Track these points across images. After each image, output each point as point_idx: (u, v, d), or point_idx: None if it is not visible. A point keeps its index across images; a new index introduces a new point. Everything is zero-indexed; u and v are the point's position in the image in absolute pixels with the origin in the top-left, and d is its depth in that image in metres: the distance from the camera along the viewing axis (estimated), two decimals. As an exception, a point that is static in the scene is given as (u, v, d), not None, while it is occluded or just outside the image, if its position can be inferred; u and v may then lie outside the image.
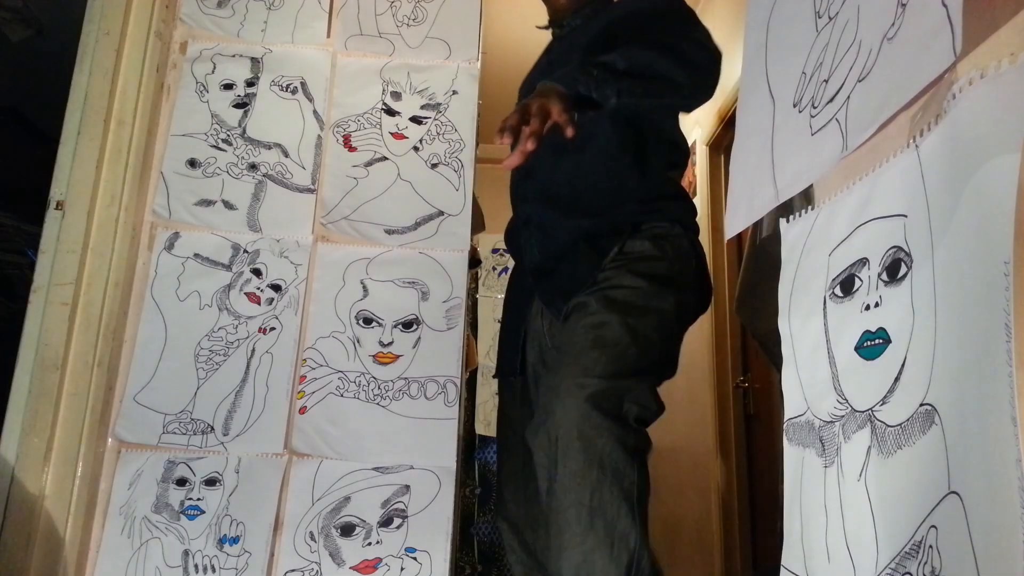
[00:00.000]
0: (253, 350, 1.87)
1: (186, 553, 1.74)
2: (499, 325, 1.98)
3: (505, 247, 1.98)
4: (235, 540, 1.76)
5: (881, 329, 0.73)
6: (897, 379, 0.70)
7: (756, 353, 2.99)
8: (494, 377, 1.90)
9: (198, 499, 1.78)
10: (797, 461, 0.89)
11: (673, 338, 1.64)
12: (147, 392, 1.82)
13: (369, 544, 1.76)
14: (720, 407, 3.25)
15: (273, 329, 1.88)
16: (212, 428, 1.81)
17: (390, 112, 2.06)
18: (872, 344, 0.74)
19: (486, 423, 3.95)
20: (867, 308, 0.76)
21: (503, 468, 1.80)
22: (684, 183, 3.66)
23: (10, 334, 1.85)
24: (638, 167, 1.71)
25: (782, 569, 0.92)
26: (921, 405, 0.66)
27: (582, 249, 1.66)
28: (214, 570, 1.74)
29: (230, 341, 1.87)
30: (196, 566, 1.74)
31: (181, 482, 1.78)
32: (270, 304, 1.90)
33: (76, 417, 1.74)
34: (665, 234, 1.65)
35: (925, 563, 0.63)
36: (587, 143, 1.66)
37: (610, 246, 1.62)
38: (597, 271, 1.60)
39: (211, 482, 1.79)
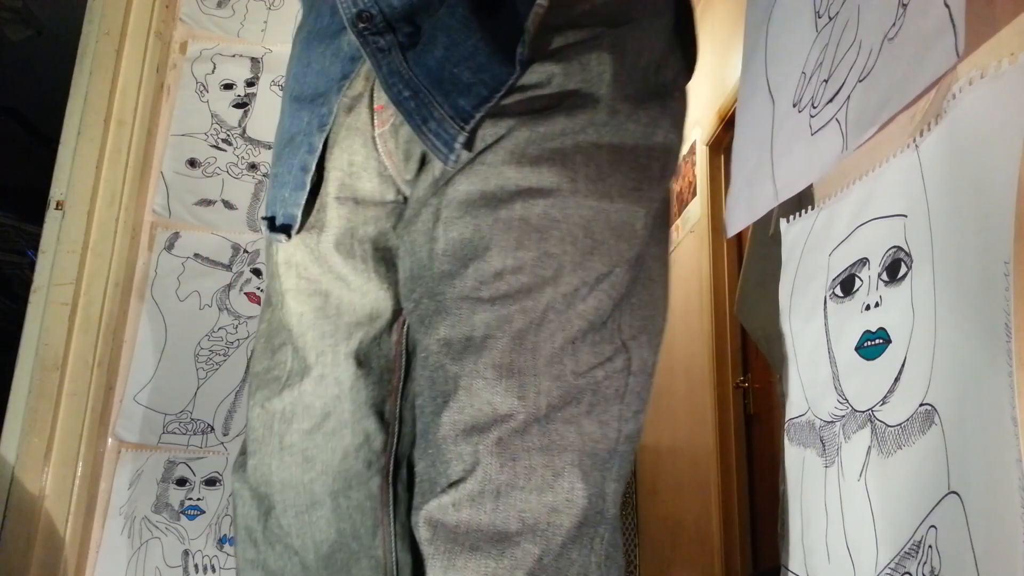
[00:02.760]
0: (253, 350, 1.87)
1: (186, 553, 1.74)
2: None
3: None
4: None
5: (881, 329, 0.73)
6: (897, 379, 0.70)
7: (756, 353, 2.99)
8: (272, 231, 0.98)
9: (198, 499, 1.78)
10: (798, 461, 0.89)
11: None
12: (147, 392, 1.82)
13: (369, 544, 1.76)
14: (720, 407, 3.25)
15: (273, 329, 1.88)
16: (212, 428, 1.81)
17: (390, 112, 2.06)
18: (872, 344, 0.74)
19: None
20: (867, 308, 0.76)
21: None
22: (683, 183, 3.67)
23: (10, 334, 1.85)
24: None
25: (783, 569, 0.92)
26: (921, 405, 0.66)
27: None
28: (214, 570, 1.74)
29: (230, 341, 1.87)
30: (196, 566, 1.74)
31: (181, 482, 1.79)
32: (270, 304, 1.90)
33: (76, 417, 1.74)
34: None
35: (924, 563, 0.63)
36: None
37: None
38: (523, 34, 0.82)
39: (211, 482, 1.79)
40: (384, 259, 0.97)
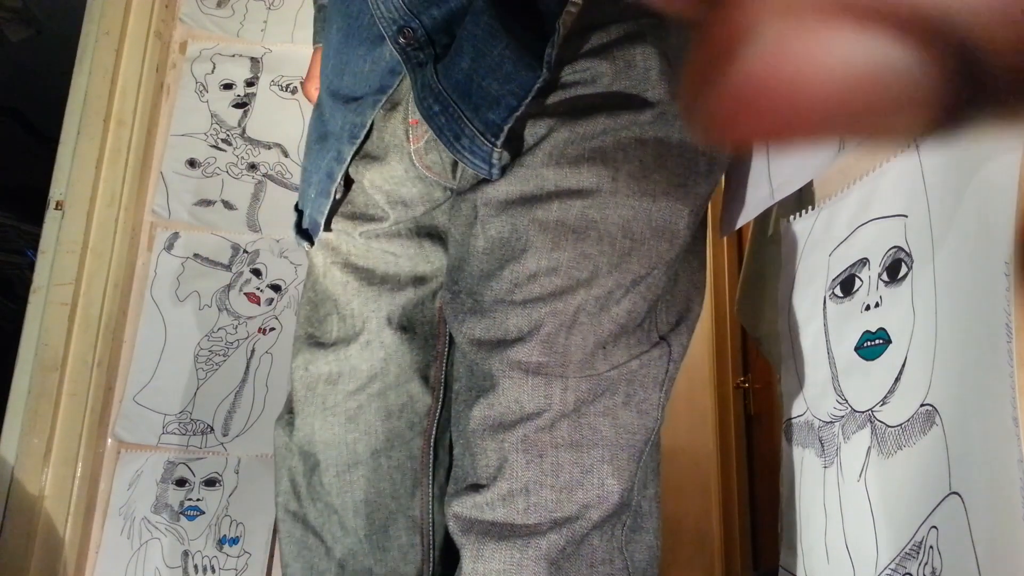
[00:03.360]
0: (253, 350, 1.86)
1: (186, 554, 1.74)
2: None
3: None
4: (235, 541, 1.76)
5: (881, 329, 0.73)
6: (897, 379, 0.70)
7: (756, 353, 2.98)
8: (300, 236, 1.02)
9: (198, 500, 1.77)
10: (796, 461, 0.89)
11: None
12: (147, 392, 1.82)
13: (369, 544, 1.76)
14: (720, 407, 3.25)
15: (273, 329, 1.88)
16: (212, 428, 1.81)
17: (390, 112, 2.05)
18: (872, 344, 0.74)
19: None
20: (867, 308, 0.76)
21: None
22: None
23: (10, 334, 1.85)
24: None
25: (780, 570, 0.92)
26: (922, 406, 0.66)
27: None
28: (214, 571, 1.73)
29: (230, 341, 1.87)
30: (196, 567, 1.73)
31: (180, 483, 1.78)
32: (270, 304, 1.90)
33: (75, 417, 1.74)
34: None
35: (925, 564, 0.63)
36: None
37: None
38: (553, 34, 0.78)
39: (211, 483, 1.78)
40: (430, 234, 0.99)
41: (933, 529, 0.62)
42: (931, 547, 0.62)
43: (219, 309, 1.89)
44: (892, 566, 0.67)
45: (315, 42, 1.17)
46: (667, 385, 0.84)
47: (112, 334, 1.81)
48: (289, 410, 1.02)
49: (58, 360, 1.73)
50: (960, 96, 0.15)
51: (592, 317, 0.79)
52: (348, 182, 0.97)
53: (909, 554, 0.65)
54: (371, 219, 0.97)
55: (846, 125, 0.15)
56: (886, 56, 0.14)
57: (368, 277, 0.98)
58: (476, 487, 0.80)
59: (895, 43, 0.14)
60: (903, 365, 0.69)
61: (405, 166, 0.92)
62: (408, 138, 0.91)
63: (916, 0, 0.14)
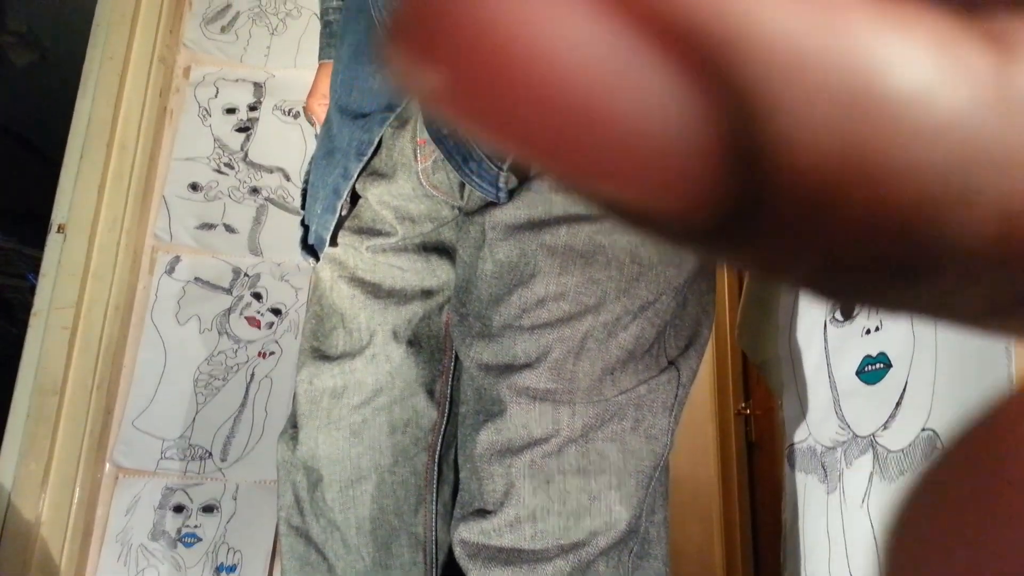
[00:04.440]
0: (252, 375, 1.86)
1: (182, 580, 1.72)
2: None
3: None
4: (232, 568, 1.74)
5: (882, 353, 0.73)
6: (899, 404, 0.69)
7: (757, 379, 2.97)
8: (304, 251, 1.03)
9: (195, 526, 1.76)
10: (800, 488, 0.88)
11: None
12: (145, 417, 1.82)
13: (367, 571, 1.74)
14: (721, 434, 3.23)
15: (273, 354, 1.88)
16: (210, 454, 1.80)
17: (392, 137, 2.06)
18: (873, 368, 0.74)
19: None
20: (868, 332, 0.75)
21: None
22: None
23: (10, 358, 1.85)
24: None
25: (784, 597, 0.91)
26: (923, 430, 0.66)
27: None
28: (210, 597, 1.72)
29: (229, 366, 1.86)
30: (192, 593, 1.72)
31: (178, 509, 1.77)
32: (270, 328, 1.90)
33: (74, 442, 1.73)
34: None
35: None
36: None
37: None
38: None
39: (209, 509, 1.77)
40: (437, 248, 0.98)
41: (936, 556, 0.61)
42: (934, 574, 0.61)
43: (219, 333, 1.89)
44: (895, 593, 0.67)
45: (320, 58, 1.17)
46: (676, 410, 0.84)
47: (112, 358, 1.81)
48: (293, 424, 1.02)
49: (57, 384, 1.73)
50: (729, 194, 0.09)
51: (600, 343, 0.79)
52: (354, 198, 0.97)
53: (912, 581, 0.64)
54: (378, 234, 0.97)
55: (558, 131, 0.10)
56: (626, 67, 0.09)
57: (375, 291, 0.98)
58: (483, 512, 0.80)
59: (643, 56, 0.09)
60: (904, 389, 0.69)
61: (413, 184, 0.93)
62: (416, 157, 0.91)
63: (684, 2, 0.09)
